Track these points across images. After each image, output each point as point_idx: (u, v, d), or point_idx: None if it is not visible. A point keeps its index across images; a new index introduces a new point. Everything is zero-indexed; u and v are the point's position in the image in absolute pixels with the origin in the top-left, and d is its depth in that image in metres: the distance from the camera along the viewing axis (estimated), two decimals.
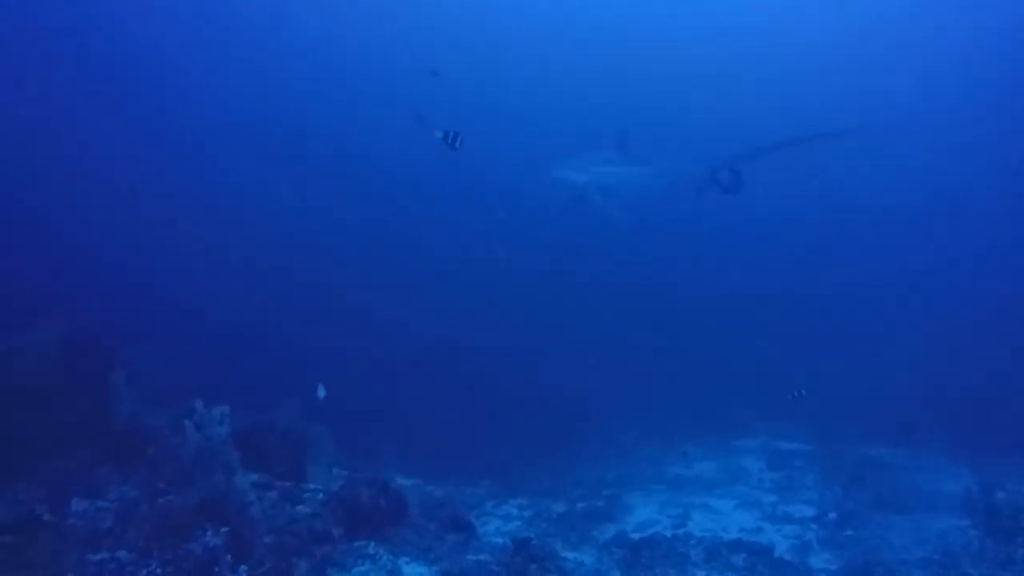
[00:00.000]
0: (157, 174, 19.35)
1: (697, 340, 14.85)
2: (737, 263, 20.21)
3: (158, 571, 4.92)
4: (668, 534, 7.37)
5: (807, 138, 12.00)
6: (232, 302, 13.41)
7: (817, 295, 18.93)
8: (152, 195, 17.35)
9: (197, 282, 13.72)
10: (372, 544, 5.82)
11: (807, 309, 17.89)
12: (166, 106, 23.77)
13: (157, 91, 24.22)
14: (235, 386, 9.17)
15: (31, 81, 21.43)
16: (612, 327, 14.75)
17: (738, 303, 17.81)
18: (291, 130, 23.73)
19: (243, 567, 4.93)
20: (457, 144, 4.91)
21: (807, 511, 8.12)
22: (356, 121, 24.25)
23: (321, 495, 6.33)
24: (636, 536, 7.21)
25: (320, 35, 27.30)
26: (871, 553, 6.52)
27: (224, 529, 4.99)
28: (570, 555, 6.75)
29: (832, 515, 7.84)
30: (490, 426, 10.78)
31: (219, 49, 25.86)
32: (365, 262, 16.35)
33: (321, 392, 6.65)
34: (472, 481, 9.37)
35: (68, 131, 20.60)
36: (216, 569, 4.85)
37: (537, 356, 13.29)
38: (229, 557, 4.88)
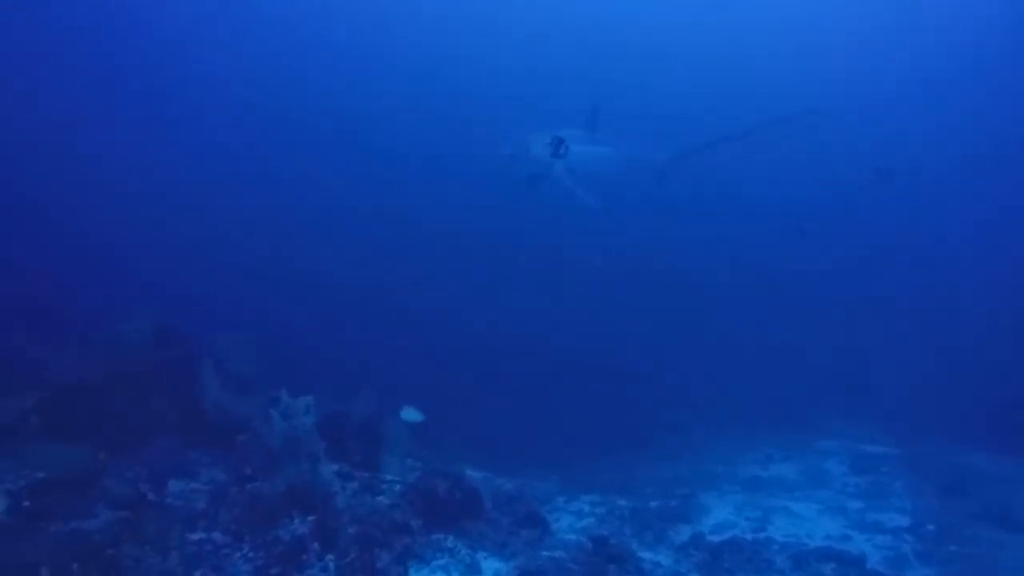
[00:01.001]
0: (233, 172, 20.25)
1: (770, 333, 14.21)
2: (806, 251, 19.19)
3: (250, 555, 5.08)
4: (748, 538, 7.08)
5: (770, 123, 11.59)
6: (310, 295, 13.82)
7: (897, 281, 17.75)
8: (232, 193, 18.14)
9: (276, 275, 14.23)
10: (451, 538, 5.84)
11: (884, 299, 16.80)
12: (239, 101, 24.70)
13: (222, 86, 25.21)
14: (312, 376, 9.44)
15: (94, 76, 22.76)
16: (681, 321, 14.33)
17: (809, 293, 16.96)
18: (364, 127, 24.11)
19: (329, 556, 5.02)
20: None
21: (900, 520, 7.60)
22: (440, 119, 24.30)
23: (399, 486, 6.40)
24: (714, 539, 6.95)
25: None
26: (981, 573, 6.00)
27: (311, 518, 5.09)
28: (646, 555, 6.57)
29: (930, 527, 7.30)
30: (559, 420, 10.68)
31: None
32: (439, 260, 16.53)
33: (414, 416, 6.71)
34: (541, 475, 9.30)
35: (141, 130, 21.89)
36: (304, 557, 4.97)
37: (606, 350, 13.06)
38: (316, 545, 4.98)
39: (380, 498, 6.06)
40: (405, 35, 28.86)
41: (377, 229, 18.66)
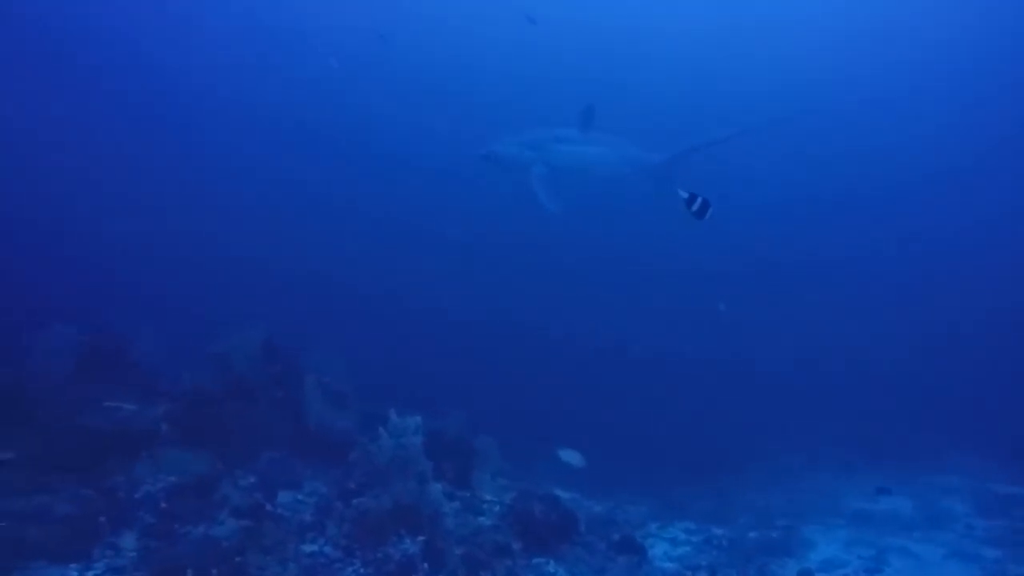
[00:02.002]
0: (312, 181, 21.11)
1: (874, 354, 13.32)
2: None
3: (361, 571, 5.20)
4: None
5: (755, 128, 10.90)
6: (380, 311, 14.18)
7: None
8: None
9: (370, 293, 14.69)
10: (552, 562, 5.76)
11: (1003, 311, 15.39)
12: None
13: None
14: (397, 391, 9.67)
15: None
16: (774, 342, 13.68)
17: (913, 311, 15.80)
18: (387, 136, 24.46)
19: None
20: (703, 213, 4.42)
21: None
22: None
23: (498, 507, 6.39)
24: None
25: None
26: None
27: (421, 538, 5.15)
28: None
29: None
30: (649, 442, 10.40)
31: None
32: (537, 275, 16.56)
33: (574, 458, 6.72)
34: (631, 499, 9.07)
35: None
36: None
37: (697, 371, 12.64)
38: (426, 565, 5.03)
39: (482, 519, 6.07)
40: (401, 37, 29.38)
41: (417, 242, 19.03)
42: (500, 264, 17.78)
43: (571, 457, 6.74)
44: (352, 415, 7.88)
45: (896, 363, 13.02)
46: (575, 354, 13.04)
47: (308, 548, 5.49)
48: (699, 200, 4.39)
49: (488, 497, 6.69)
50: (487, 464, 8.04)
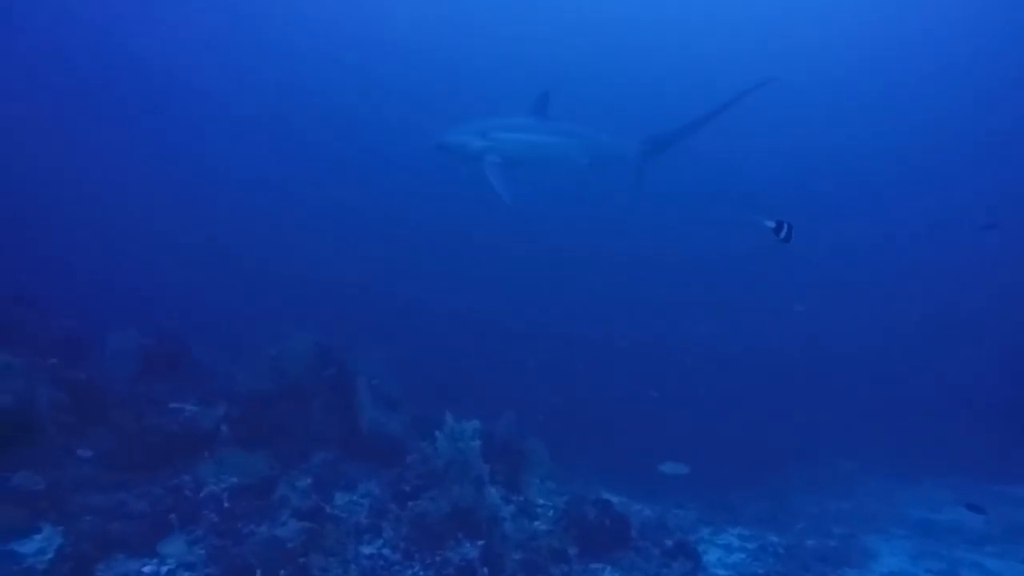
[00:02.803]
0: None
1: (931, 355, 12.81)
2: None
3: (420, 574, 5.25)
4: None
5: (737, 96, 9.81)
6: (451, 317, 14.21)
7: None
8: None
9: (407, 295, 14.84)
10: (608, 569, 5.71)
11: None
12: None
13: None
14: (451, 395, 9.73)
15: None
16: (825, 343, 13.29)
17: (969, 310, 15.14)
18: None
19: None
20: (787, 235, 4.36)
21: None
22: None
23: (552, 511, 6.37)
24: None
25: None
26: None
27: (480, 542, 5.17)
28: None
29: None
30: (693, 443, 10.23)
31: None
32: (568, 276, 16.48)
33: (678, 469, 6.68)
34: (680, 502, 8.94)
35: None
36: None
37: (747, 373, 12.37)
38: (486, 570, 5.05)
39: (537, 523, 6.06)
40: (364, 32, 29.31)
41: (446, 245, 19.10)
42: (528, 266, 17.83)
43: (675, 468, 6.65)
44: (402, 417, 7.96)
45: (958, 362, 12.49)
46: (613, 354, 12.92)
47: (367, 550, 5.57)
48: (785, 226, 4.30)
49: (541, 501, 6.68)
50: (535, 467, 8.02)
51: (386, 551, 5.56)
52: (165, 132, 24.98)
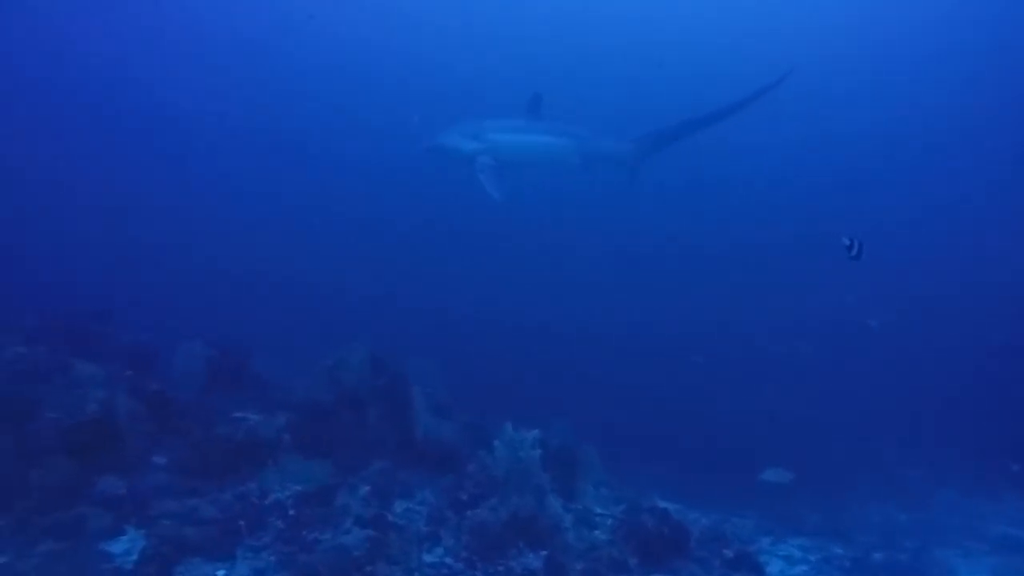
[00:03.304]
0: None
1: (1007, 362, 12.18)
2: None
3: None
4: None
5: (752, 96, 9.50)
6: (491, 324, 14.32)
7: None
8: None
9: (469, 304, 14.97)
10: None
11: None
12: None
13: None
14: (501, 403, 9.77)
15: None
16: (888, 343, 12.81)
17: None
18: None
19: None
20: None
21: None
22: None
23: (610, 520, 6.33)
24: None
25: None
26: None
27: (543, 552, 5.18)
28: None
29: None
30: (753, 450, 10.00)
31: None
32: (611, 278, 16.45)
33: (780, 476, 6.63)
34: (736, 510, 8.74)
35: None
36: None
37: (804, 378, 12.03)
38: None
39: (596, 533, 6.03)
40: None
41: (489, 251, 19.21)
42: (562, 268, 17.82)
43: (778, 476, 6.55)
44: (455, 425, 8.05)
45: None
46: (661, 357, 12.75)
47: (429, 558, 5.64)
48: (856, 244, 4.40)
49: (599, 510, 6.64)
50: (589, 474, 7.99)
51: (448, 560, 5.63)
52: (177, 147, 25.77)
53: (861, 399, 11.28)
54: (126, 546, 5.44)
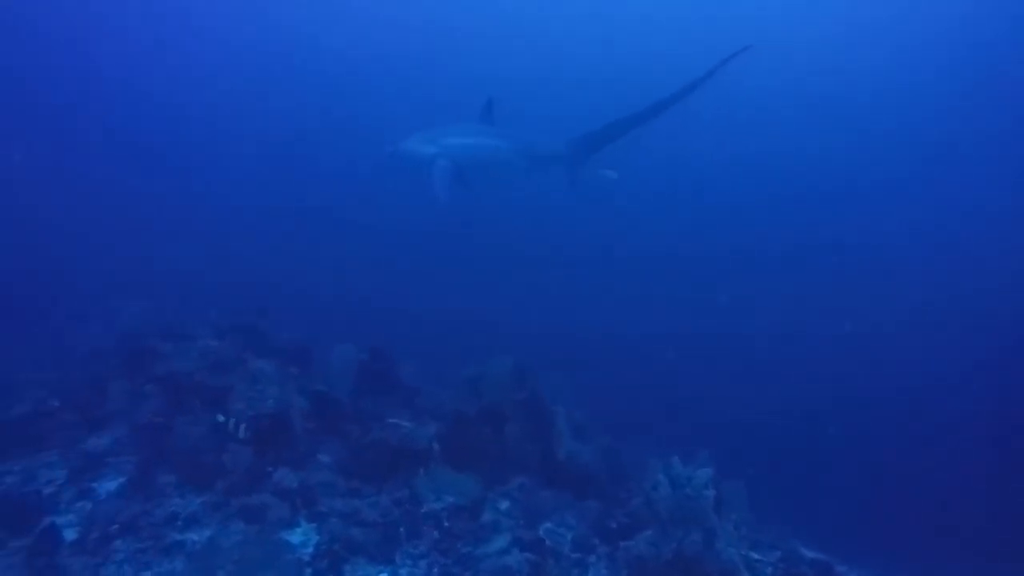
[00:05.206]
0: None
1: None
2: None
3: None
4: None
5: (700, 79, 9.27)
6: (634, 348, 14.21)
7: None
8: None
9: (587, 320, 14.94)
10: None
11: None
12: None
13: None
14: (634, 426, 9.56)
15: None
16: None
17: None
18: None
19: None
20: None
21: None
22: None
23: (770, 568, 5.96)
24: None
25: None
26: None
27: None
28: None
29: None
30: (903, 495, 9.15)
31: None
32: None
33: None
34: (888, 565, 7.98)
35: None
36: None
37: (964, 412, 10.92)
38: None
39: None
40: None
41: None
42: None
43: None
44: (593, 447, 7.95)
45: None
46: (799, 379, 12.00)
47: None
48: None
49: (756, 556, 6.28)
50: (731, 512, 7.60)
51: None
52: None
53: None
54: (301, 538, 5.78)
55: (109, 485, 6.14)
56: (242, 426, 6.37)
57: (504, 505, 6.93)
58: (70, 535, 5.43)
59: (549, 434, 7.55)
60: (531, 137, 11.46)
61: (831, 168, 26.64)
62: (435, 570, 5.56)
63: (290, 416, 6.55)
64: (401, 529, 6.02)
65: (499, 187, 12.71)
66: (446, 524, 6.16)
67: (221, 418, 6.27)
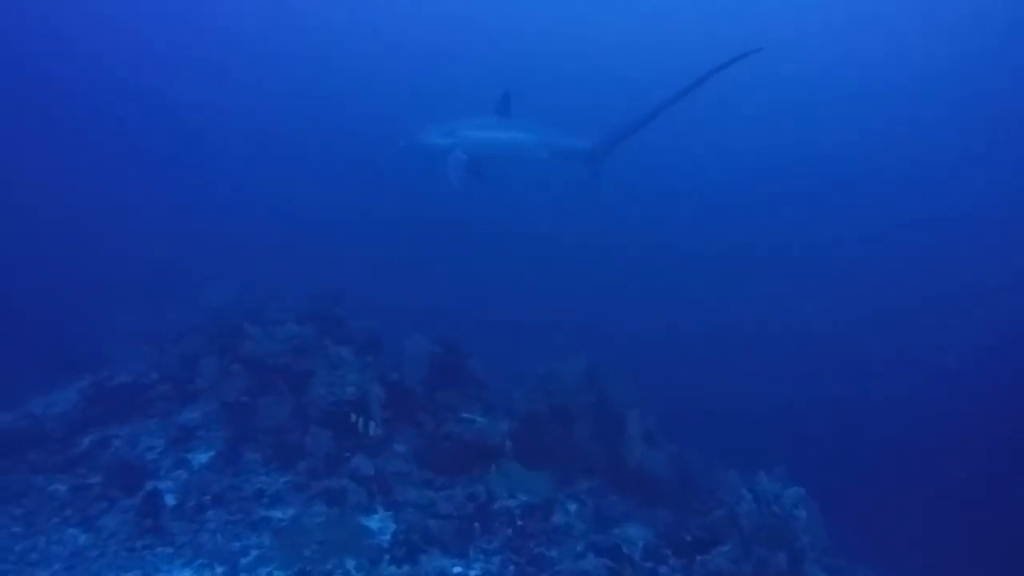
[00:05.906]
0: None
1: None
2: None
3: None
4: None
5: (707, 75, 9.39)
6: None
7: None
8: None
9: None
10: None
11: None
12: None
13: None
14: (710, 435, 9.33)
15: None
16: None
17: None
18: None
19: None
20: None
21: None
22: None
23: None
24: None
25: None
26: None
27: None
28: None
29: None
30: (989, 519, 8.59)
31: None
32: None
33: None
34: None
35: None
36: None
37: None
38: None
39: None
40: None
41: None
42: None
43: None
44: (662, 454, 7.79)
45: None
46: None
47: None
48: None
49: None
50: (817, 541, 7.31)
51: None
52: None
53: None
54: (379, 524, 5.91)
55: (201, 457, 6.44)
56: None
57: (573, 507, 6.89)
58: (170, 500, 5.72)
59: (619, 438, 7.44)
60: (550, 130, 11.85)
61: (856, 162, 27.01)
62: (510, 568, 5.56)
63: (370, 405, 6.70)
64: (476, 524, 6.07)
65: (529, 182, 13.00)
66: (519, 523, 6.17)
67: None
